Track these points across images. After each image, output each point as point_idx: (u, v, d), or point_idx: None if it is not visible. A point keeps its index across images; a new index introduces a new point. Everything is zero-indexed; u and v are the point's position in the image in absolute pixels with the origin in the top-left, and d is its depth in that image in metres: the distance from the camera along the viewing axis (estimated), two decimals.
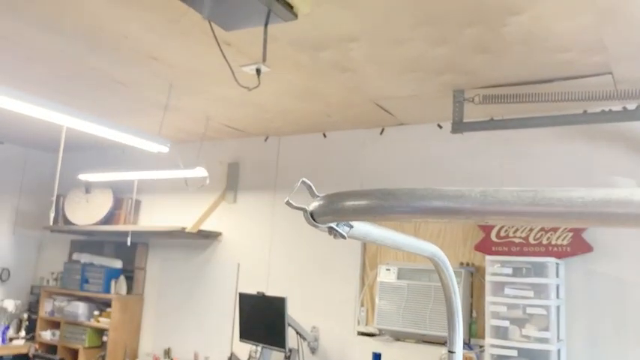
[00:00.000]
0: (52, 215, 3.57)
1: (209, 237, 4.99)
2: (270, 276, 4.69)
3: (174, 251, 5.29)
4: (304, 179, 0.52)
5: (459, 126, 3.58)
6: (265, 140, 5.00)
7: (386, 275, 3.94)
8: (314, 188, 0.52)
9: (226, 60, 2.74)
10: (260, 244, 4.81)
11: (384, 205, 0.42)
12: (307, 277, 4.52)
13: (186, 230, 4.77)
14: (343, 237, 0.53)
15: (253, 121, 4.50)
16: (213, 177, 5.11)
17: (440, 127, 4.17)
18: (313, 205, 0.51)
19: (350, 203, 0.44)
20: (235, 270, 4.86)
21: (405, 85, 3.47)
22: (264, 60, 2.33)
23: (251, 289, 4.75)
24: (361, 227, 0.62)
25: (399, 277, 3.90)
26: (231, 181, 5.07)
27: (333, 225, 0.52)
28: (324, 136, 4.69)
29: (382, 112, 4.02)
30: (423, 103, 3.80)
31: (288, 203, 0.49)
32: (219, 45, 2.33)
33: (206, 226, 5.05)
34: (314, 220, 0.51)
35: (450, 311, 0.93)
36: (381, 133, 4.42)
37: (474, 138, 3.98)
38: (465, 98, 3.53)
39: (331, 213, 0.47)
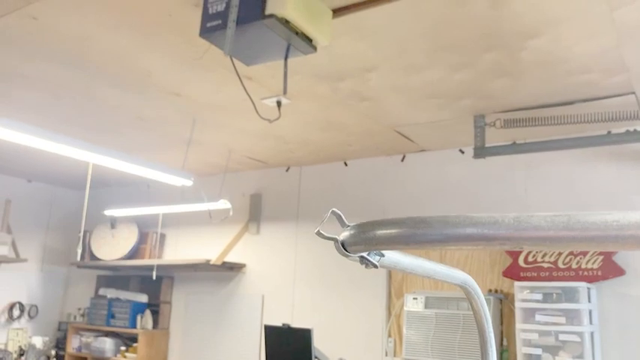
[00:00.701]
0: (79, 251, 3.62)
1: (233, 269, 4.99)
2: (294, 307, 4.66)
3: (199, 284, 5.30)
4: (334, 209, 0.52)
5: (481, 151, 3.56)
6: (287, 171, 5.02)
7: (413, 304, 3.88)
8: (344, 218, 0.52)
9: (247, 93, 2.79)
10: (284, 275, 4.80)
11: (416, 234, 0.42)
12: (332, 308, 4.47)
13: (211, 262, 4.78)
14: (375, 266, 0.53)
15: (274, 152, 4.54)
16: (237, 209, 5.15)
17: (462, 152, 4.16)
18: (344, 234, 0.51)
19: (382, 232, 0.45)
20: (260, 302, 4.84)
21: (425, 112, 3.48)
22: (284, 92, 2.37)
23: (276, 321, 4.72)
24: (391, 256, 0.62)
25: (426, 306, 3.84)
26: (254, 213, 5.09)
27: (365, 254, 0.52)
28: (345, 164, 4.70)
29: (403, 138, 4.02)
30: (443, 129, 3.80)
31: (319, 234, 0.49)
32: (240, 79, 2.38)
33: (230, 258, 5.06)
34: (345, 249, 0.51)
35: (483, 339, 0.91)
36: (402, 160, 4.41)
37: (497, 162, 3.96)
38: (485, 123, 3.53)
39: (363, 242, 0.47)
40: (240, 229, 5.09)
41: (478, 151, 3.58)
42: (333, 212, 0.52)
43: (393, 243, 0.45)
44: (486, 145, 3.83)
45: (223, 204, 4.11)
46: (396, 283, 4.25)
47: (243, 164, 4.98)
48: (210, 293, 5.13)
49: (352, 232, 0.50)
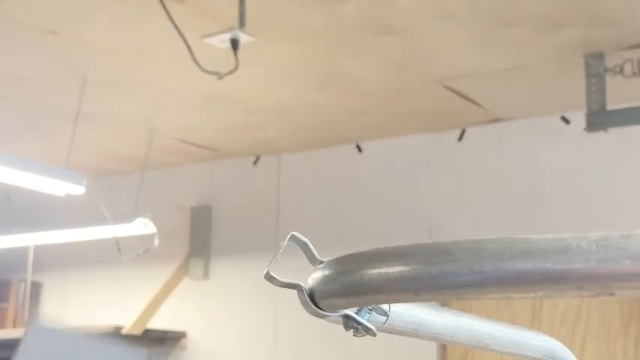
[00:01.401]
0: None
1: (164, 342, 4.99)
2: None
3: None
4: (295, 233, 0.53)
5: (600, 118, 3.56)
6: (254, 164, 5.02)
7: None
8: (313, 249, 0.54)
9: (178, 29, 2.79)
10: (254, 351, 4.80)
11: (431, 274, 0.43)
12: None
13: (124, 332, 4.78)
14: (371, 333, 0.54)
15: (231, 130, 4.54)
16: (167, 234, 5.14)
17: (565, 121, 4.16)
18: (314, 277, 0.52)
19: (374, 273, 0.46)
20: None
21: (497, 52, 3.48)
22: (241, 24, 2.37)
23: None
24: (406, 312, 0.62)
25: None
26: (199, 241, 5.09)
27: (351, 312, 0.53)
28: (359, 149, 4.70)
29: (459, 100, 4.03)
30: (530, 82, 3.80)
31: (268, 277, 0.51)
32: (163, 3, 2.38)
33: (158, 323, 5.06)
34: (316, 304, 0.52)
35: None
36: (459, 139, 4.41)
37: (628, 137, 3.96)
38: (606, 68, 3.53)
39: (345, 291, 0.48)
40: (175, 272, 5.09)
41: (594, 118, 3.58)
42: (292, 238, 0.53)
43: (393, 292, 0.46)
44: (608, 107, 3.83)
45: (142, 226, 4.11)
46: (455, 357, 4.25)
47: (177, 154, 4.98)
48: None
49: (326, 273, 0.51)
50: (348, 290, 0.48)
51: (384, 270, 0.46)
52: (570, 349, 0.99)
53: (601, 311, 3.95)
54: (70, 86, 3.89)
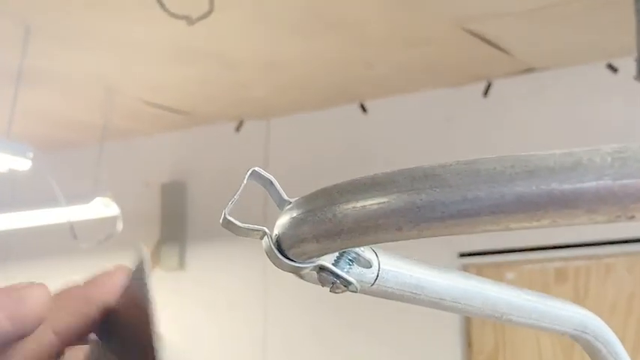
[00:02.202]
0: None
1: None
2: None
3: None
4: (256, 169, 0.53)
5: None
6: (237, 130, 5.03)
7: None
8: (279, 188, 0.54)
9: None
10: (241, 353, 4.84)
11: (416, 204, 0.43)
12: None
13: None
14: (352, 288, 0.54)
15: (207, 90, 4.54)
16: (133, 216, 5.15)
17: (612, 69, 4.16)
18: (280, 221, 0.52)
19: (349, 208, 0.45)
20: None
21: None
22: None
23: None
24: (401, 272, 0.63)
25: None
26: (171, 224, 5.11)
27: (326, 263, 0.53)
28: (363, 109, 4.71)
29: (484, 47, 4.03)
30: (568, 24, 3.80)
31: (225, 223, 0.50)
32: None
33: None
34: (283, 253, 0.52)
35: None
36: (485, 94, 4.42)
37: None
38: None
39: (316, 234, 0.47)
40: None
41: None
42: (254, 175, 0.53)
43: (371, 229, 0.45)
44: None
45: (102, 208, 4.11)
46: (483, 358, 4.30)
47: (142, 120, 4.99)
48: None
49: (295, 213, 0.51)
50: (319, 232, 0.47)
51: (360, 203, 0.45)
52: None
53: None
54: (10, 38, 3.89)
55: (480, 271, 4.31)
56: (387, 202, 0.44)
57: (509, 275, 4.20)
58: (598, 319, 0.91)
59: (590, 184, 0.39)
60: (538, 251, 4.19)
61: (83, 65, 4.21)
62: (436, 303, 0.67)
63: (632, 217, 0.39)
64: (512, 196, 0.40)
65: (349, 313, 4.62)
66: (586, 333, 0.86)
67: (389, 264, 0.60)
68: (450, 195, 0.42)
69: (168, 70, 4.29)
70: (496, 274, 4.25)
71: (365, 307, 4.51)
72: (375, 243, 0.47)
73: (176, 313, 5.02)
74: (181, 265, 5.09)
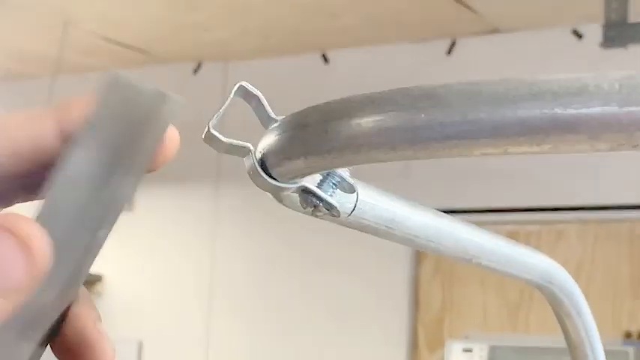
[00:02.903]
0: None
1: None
2: (210, 356, 4.74)
3: None
4: (244, 83, 0.52)
5: (619, 32, 3.59)
6: (195, 72, 5.01)
7: None
8: (267, 105, 0.53)
9: None
10: (187, 296, 4.85)
11: (414, 123, 0.42)
12: None
13: None
14: (335, 212, 0.53)
15: (166, 28, 4.51)
16: None
17: (578, 35, 4.18)
18: (266, 139, 0.51)
19: (342, 124, 0.44)
20: (134, 354, 4.92)
21: None
22: None
23: None
24: (378, 205, 0.62)
25: None
26: None
27: (310, 185, 0.52)
28: (325, 59, 4.71)
29: (449, 4, 4.02)
30: None
31: (209, 137, 0.50)
32: None
33: None
34: (268, 173, 0.51)
35: None
36: (448, 52, 4.43)
37: None
38: None
39: (303, 150, 0.47)
40: None
41: (613, 32, 3.61)
42: (240, 90, 0.52)
43: (364, 146, 0.44)
44: (630, 20, 3.85)
45: None
46: (429, 317, 4.35)
47: (98, 55, 4.94)
48: None
49: (282, 129, 0.50)
50: (308, 148, 0.46)
51: (354, 120, 0.45)
52: None
53: (606, 268, 4.02)
54: None
55: None
56: (383, 119, 0.43)
57: None
58: (564, 270, 0.92)
59: (595, 110, 0.39)
60: (491, 213, 4.22)
61: None
62: (409, 240, 0.67)
63: (635, 146, 0.39)
64: (515, 118, 0.40)
65: (303, 292, 4.64)
66: (551, 283, 0.87)
67: (367, 195, 0.59)
68: (450, 115, 0.41)
69: (129, 7, 4.25)
70: None
71: (314, 263, 4.54)
72: (367, 162, 0.46)
73: (123, 256, 5.01)
74: (129, 205, 5.08)
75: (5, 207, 0.40)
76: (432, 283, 4.35)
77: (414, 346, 4.37)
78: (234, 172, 4.80)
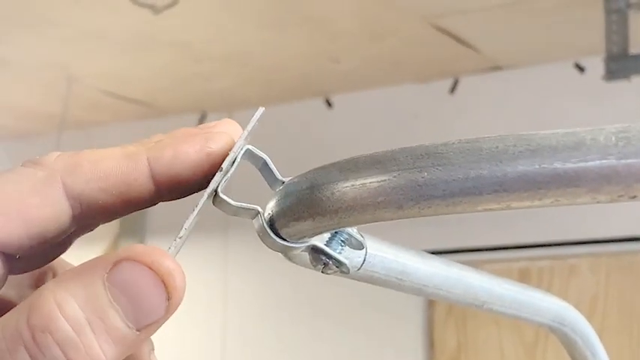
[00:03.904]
0: None
1: None
2: None
3: None
4: (250, 147, 0.54)
5: (621, 64, 3.59)
6: (200, 122, 5.00)
7: None
8: (273, 167, 0.54)
9: None
10: (200, 346, 4.87)
11: (417, 182, 0.43)
12: None
13: None
14: (344, 269, 0.54)
15: (170, 81, 4.53)
16: None
17: (580, 69, 4.18)
18: (274, 201, 0.52)
19: (347, 185, 0.46)
20: None
21: None
22: None
23: None
24: (387, 257, 0.63)
25: None
26: (131, 218, 5.05)
27: (319, 243, 0.53)
28: (328, 104, 4.72)
29: (451, 44, 4.04)
30: (537, 21, 3.81)
31: (218, 201, 0.51)
32: None
33: None
34: (276, 233, 0.52)
35: None
36: (451, 91, 4.43)
37: None
38: (629, 3, 3.55)
39: (311, 211, 0.48)
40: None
41: (614, 64, 3.61)
42: (247, 154, 0.53)
43: (370, 207, 0.45)
44: (631, 51, 3.86)
45: None
46: (445, 358, 4.33)
47: (102, 110, 4.96)
48: None
49: (289, 191, 0.51)
50: (315, 209, 0.48)
51: (359, 181, 0.46)
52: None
53: (621, 301, 4.01)
54: None
55: None
56: (388, 179, 0.44)
57: None
58: (576, 311, 0.93)
59: (593, 164, 0.40)
60: (502, 251, 4.22)
61: (43, 53, 4.18)
62: (419, 289, 0.68)
63: (634, 197, 0.40)
64: (515, 174, 0.41)
65: (311, 319, 4.63)
66: (564, 325, 0.88)
67: (375, 248, 0.60)
68: (452, 173, 0.43)
69: (131, 61, 4.27)
70: None
71: (328, 308, 4.53)
72: (373, 221, 0.47)
73: None
74: None
75: (88, 232, 0.44)
76: (446, 324, 4.33)
77: None
78: (242, 221, 4.82)
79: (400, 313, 4.37)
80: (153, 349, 0.47)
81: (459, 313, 4.30)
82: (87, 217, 0.45)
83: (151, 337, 0.44)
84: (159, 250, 0.40)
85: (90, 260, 0.39)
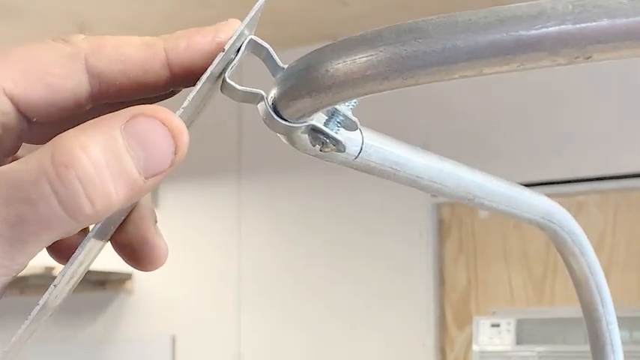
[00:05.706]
0: None
1: (105, 285, 5.06)
2: (242, 347, 4.77)
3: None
4: (253, 37, 0.58)
5: None
6: None
7: (492, 336, 3.96)
8: (275, 56, 0.58)
9: None
10: (216, 287, 4.88)
11: (401, 55, 0.48)
12: (325, 346, 4.60)
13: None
14: (340, 147, 0.58)
15: (179, 26, 4.50)
16: None
17: None
18: (276, 85, 0.56)
19: (340, 62, 0.50)
20: (168, 349, 4.95)
21: None
22: None
23: None
24: (383, 148, 0.67)
25: (519, 340, 3.92)
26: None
27: (318, 124, 0.57)
28: None
29: None
30: None
31: (226, 87, 0.55)
32: None
33: (98, 263, 5.06)
34: (279, 115, 0.56)
35: (595, 337, 0.97)
36: None
37: None
38: None
39: (309, 89, 0.52)
40: None
41: None
42: (250, 42, 0.58)
43: (360, 80, 0.50)
44: None
45: None
46: (455, 295, 4.38)
47: None
48: (59, 340, 5.18)
49: (289, 74, 0.55)
50: (311, 86, 0.51)
51: (350, 58, 0.50)
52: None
53: (629, 237, 4.04)
54: None
55: (453, 209, 4.35)
56: (375, 54, 0.49)
57: (483, 213, 4.22)
58: (564, 210, 0.95)
59: (552, 30, 0.44)
60: None
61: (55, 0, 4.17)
62: (414, 180, 0.71)
63: (589, 58, 0.44)
64: (486, 42, 0.45)
65: (329, 279, 4.64)
66: (553, 222, 0.91)
67: (372, 139, 0.64)
68: (431, 45, 0.47)
69: (141, 6, 4.25)
70: (470, 212, 4.29)
71: (337, 245, 4.54)
72: (364, 94, 0.51)
73: None
74: (155, 202, 5.09)
75: (114, 110, 0.44)
76: (456, 262, 4.36)
77: (442, 324, 4.42)
78: (254, 165, 4.82)
79: (412, 250, 4.39)
80: (156, 222, 0.52)
81: (470, 251, 4.33)
82: (103, 96, 0.48)
83: (159, 229, 0.51)
84: (169, 110, 0.44)
85: (107, 115, 0.43)
